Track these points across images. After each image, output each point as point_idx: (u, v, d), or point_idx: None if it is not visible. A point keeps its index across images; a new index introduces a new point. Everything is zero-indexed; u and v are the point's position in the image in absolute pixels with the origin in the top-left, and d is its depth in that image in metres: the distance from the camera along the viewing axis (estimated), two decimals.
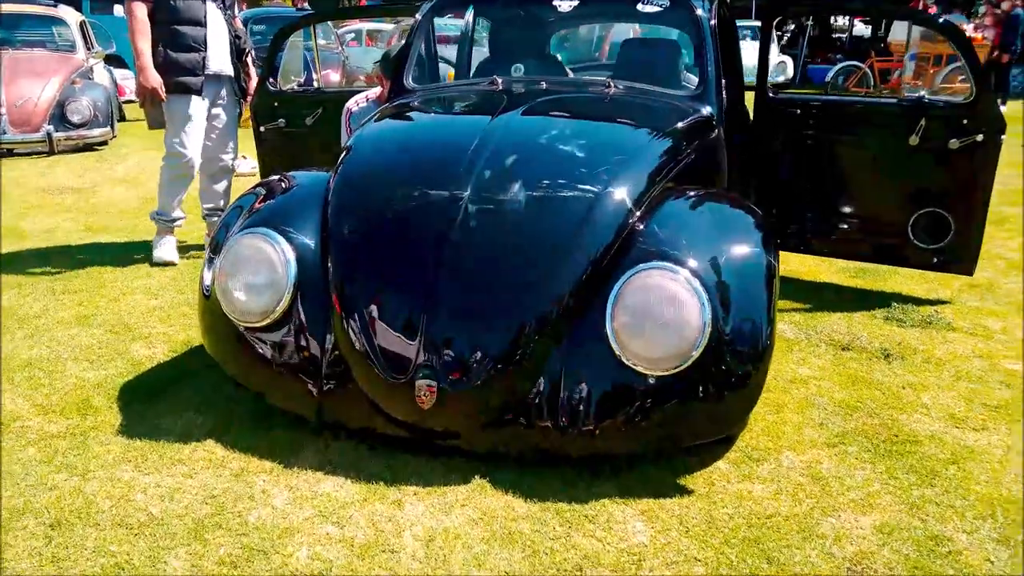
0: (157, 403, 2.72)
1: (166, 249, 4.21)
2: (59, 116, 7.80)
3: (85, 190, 6.34)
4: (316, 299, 2.38)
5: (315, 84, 4.75)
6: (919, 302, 3.77)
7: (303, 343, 2.37)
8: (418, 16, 3.52)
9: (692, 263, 2.17)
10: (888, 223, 3.77)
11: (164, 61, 3.83)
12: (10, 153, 7.62)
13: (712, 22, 3.17)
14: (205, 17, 3.86)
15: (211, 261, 2.61)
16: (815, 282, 4.10)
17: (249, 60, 4.19)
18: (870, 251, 3.90)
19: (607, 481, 2.21)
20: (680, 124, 2.86)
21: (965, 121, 3.49)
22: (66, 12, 9.02)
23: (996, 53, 11.64)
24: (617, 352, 2.11)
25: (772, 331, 2.20)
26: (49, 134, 7.67)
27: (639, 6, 3.26)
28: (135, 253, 4.46)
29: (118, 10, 13.80)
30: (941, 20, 3.68)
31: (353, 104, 3.70)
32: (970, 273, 3.72)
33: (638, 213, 2.36)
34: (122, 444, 2.44)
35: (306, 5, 13.57)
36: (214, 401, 2.70)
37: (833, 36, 23.60)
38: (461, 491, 2.17)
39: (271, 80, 4.33)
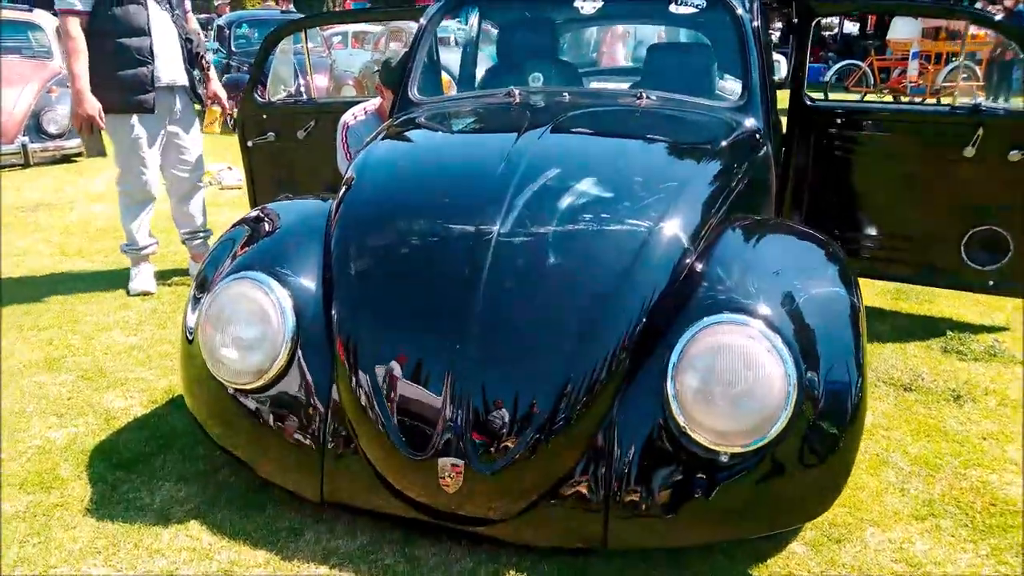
0: (133, 472, 2.35)
1: (142, 279, 3.83)
2: (35, 127, 7.38)
3: (61, 207, 5.93)
4: (319, 356, 2.02)
5: (305, 93, 4.37)
6: (975, 329, 3.44)
7: (303, 408, 2.00)
8: (423, 20, 3.15)
9: (767, 313, 1.82)
10: (939, 241, 3.43)
11: (108, 80, 3.39)
12: None
13: (755, 23, 2.83)
14: (149, 24, 3.40)
15: (196, 301, 2.25)
16: None
17: (206, 63, 3.75)
18: (917, 271, 3.57)
19: (666, 574, 1.86)
20: (727, 142, 2.51)
21: None
22: (42, 17, 8.57)
23: (999, 50, 11.39)
24: (682, 423, 1.75)
25: (865, 391, 1.86)
26: (24, 145, 7.24)
27: (671, 7, 2.91)
28: (112, 281, 4.07)
29: None
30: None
31: (350, 117, 3.33)
32: None
33: (695, 251, 2.01)
34: (91, 528, 2.08)
35: (291, 7, 13.16)
36: (199, 470, 2.33)
37: (825, 34, 23.32)
38: None
39: (258, 91, 3.95)
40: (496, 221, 2.01)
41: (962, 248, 3.39)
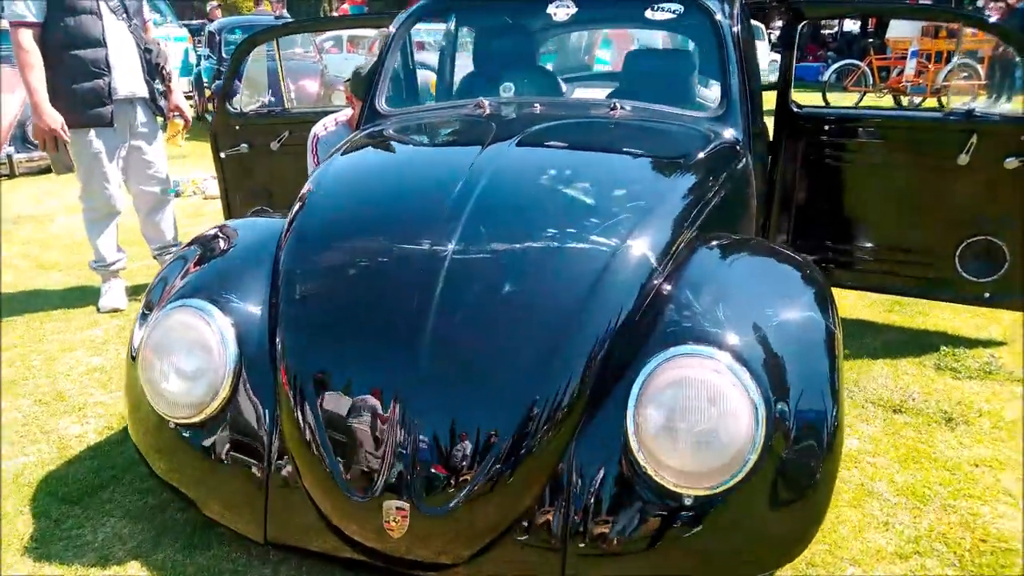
0: (78, 506, 2.24)
1: (112, 296, 3.72)
2: (20, 136, 7.30)
3: (43, 218, 5.84)
4: (263, 388, 1.90)
5: (278, 103, 4.26)
6: (970, 344, 3.30)
7: (246, 444, 1.88)
8: (392, 28, 3.04)
9: (735, 342, 1.70)
10: (932, 253, 3.31)
11: (63, 94, 3.28)
12: None
13: (735, 29, 2.71)
14: (104, 34, 3.29)
15: (144, 318, 2.13)
16: (847, 319, 3.62)
17: (169, 73, 3.63)
18: (911, 284, 3.43)
19: None
20: (702, 154, 2.39)
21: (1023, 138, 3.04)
22: None
23: (1001, 49, 11.20)
24: (642, 462, 1.63)
25: (841, 423, 1.73)
26: (10, 156, 7.18)
27: (648, 12, 2.78)
28: (85, 296, 3.97)
29: None
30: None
31: (321, 128, 3.22)
32: None
33: (663, 272, 1.89)
34: (28, 569, 1.97)
35: (284, 13, 13.05)
36: (146, 505, 2.22)
37: (823, 32, 23.08)
38: None
39: (230, 101, 3.84)
40: (449, 241, 1.90)
41: (956, 259, 3.26)
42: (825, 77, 12.99)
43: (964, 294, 3.33)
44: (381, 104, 2.90)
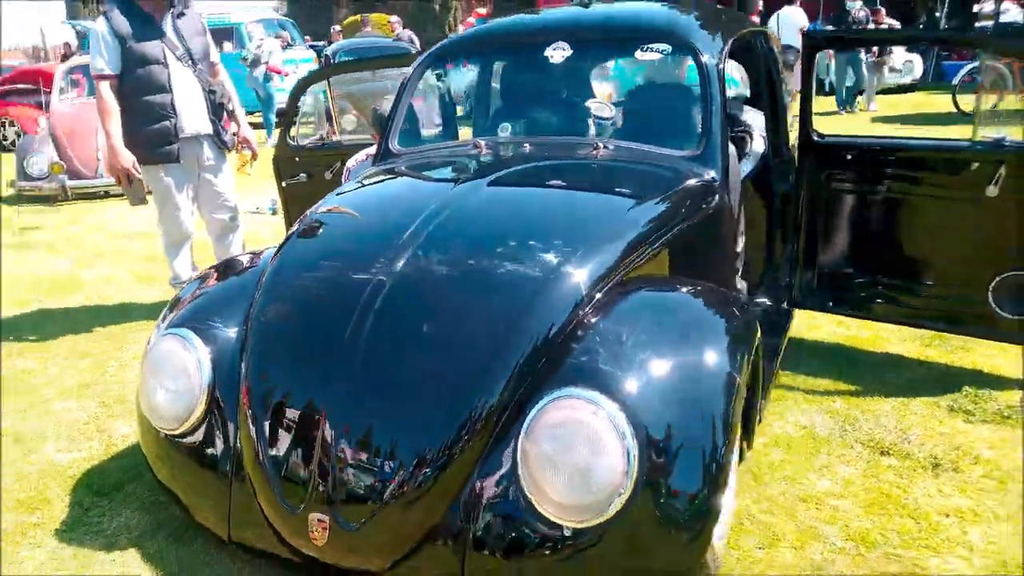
0: (106, 498, 2.61)
1: None
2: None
3: (154, 235, 6.53)
4: (232, 406, 2.17)
5: (335, 136, 4.61)
6: (1001, 384, 3.14)
7: (216, 453, 2.16)
8: (409, 70, 3.28)
9: (623, 387, 1.80)
10: (963, 288, 3.17)
11: (136, 135, 3.72)
12: (105, 195, 8.05)
13: (720, 67, 2.75)
14: (170, 81, 3.71)
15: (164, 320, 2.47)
16: (876, 353, 3.52)
17: (232, 110, 4.04)
18: (944, 320, 3.30)
19: None
20: (665, 195, 2.47)
21: None
22: None
23: None
24: (528, 493, 1.77)
25: (724, 473, 1.79)
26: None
27: (637, 53, 2.88)
28: None
29: (227, 47, 14.49)
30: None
31: (352, 162, 3.52)
32: None
33: (583, 312, 2.01)
34: (51, 549, 2.35)
35: (401, 31, 13.71)
36: (157, 501, 2.55)
37: (977, 25, 21.18)
38: None
39: (290, 134, 4.23)
40: (392, 271, 2.10)
41: (990, 295, 3.12)
42: (956, 80, 12.15)
43: (999, 331, 3.18)
44: (394, 144, 3.15)
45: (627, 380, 1.82)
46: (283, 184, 4.30)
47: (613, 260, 2.16)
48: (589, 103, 2.94)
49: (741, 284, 3.35)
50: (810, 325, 3.81)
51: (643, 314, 2.04)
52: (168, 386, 2.21)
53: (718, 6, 4.71)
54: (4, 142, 11.75)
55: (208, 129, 3.88)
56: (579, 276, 2.07)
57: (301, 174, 4.21)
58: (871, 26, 11.65)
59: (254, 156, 4.31)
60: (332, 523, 1.89)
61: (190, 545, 2.30)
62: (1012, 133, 3.02)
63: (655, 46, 2.86)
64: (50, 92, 8.94)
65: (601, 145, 2.74)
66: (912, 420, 2.89)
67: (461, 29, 29.44)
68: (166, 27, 3.74)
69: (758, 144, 3.65)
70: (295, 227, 2.56)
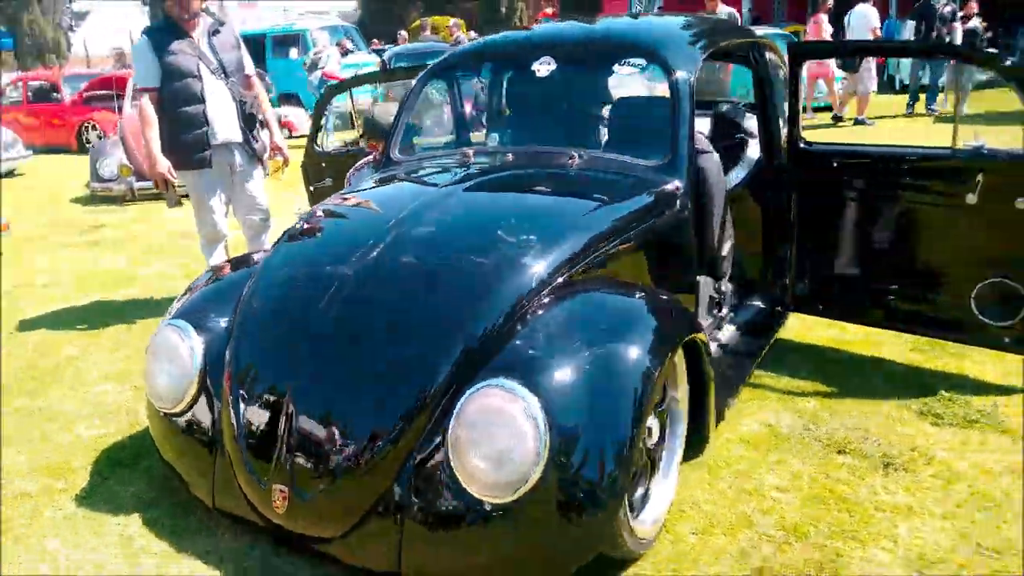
0: (123, 470, 2.93)
1: None
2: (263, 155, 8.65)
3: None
4: (218, 389, 2.45)
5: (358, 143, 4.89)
6: (980, 390, 3.18)
7: (204, 431, 2.44)
8: (413, 83, 3.52)
9: (546, 380, 1.99)
10: (947, 294, 3.23)
11: (172, 143, 4.06)
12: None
13: (692, 80, 2.89)
14: (203, 93, 4.01)
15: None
16: (862, 356, 3.58)
17: (265, 119, 4.35)
18: (930, 326, 3.36)
19: None
20: (625, 201, 2.64)
21: None
22: None
23: None
24: (455, 471, 1.98)
25: (629, 458, 1.96)
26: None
27: (616, 68, 3.04)
28: None
29: (293, 53, 15.11)
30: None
31: (353, 170, 3.78)
32: None
33: (526, 309, 2.21)
34: (68, 512, 2.66)
35: (461, 36, 14.03)
36: (164, 474, 2.85)
37: None
38: None
39: (317, 141, 4.53)
40: (358, 268, 2.34)
41: (972, 302, 3.17)
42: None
43: (983, 338, 3.22)
44: (394, 153, 3.40)
45: (548, 373, 2.00)
46: (311, 188, 4.61)
47: (560, 262, 2.35)
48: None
49: (727, 287, 3.47)
50: (805, 327, 3.89)
51: (576, 313, 2.22)
52: (166, 371, 2.50)
53: (704, 15, 4.81)
54: (88, 145, 12.55)
55: (239, 137, 4.20)
56: (525, 277, 2.27)
57: (327, 178, 4.50)
58: (956, 22, 11.31)
59: (286, 162, 4.62)
60: (291, 494, 2.14)
61: (185, 512, 2.58)
62: (991, 141, 3.05)
63: (632, 61, 3.02)
64: (123, 97, 9.58)
65: (576, 155, 2.92)
66: (878, 421, 2.97)
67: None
68: (201, 43, 4.07)
69: (753, 151, 3.75)
70: (285, 231, 2.82)
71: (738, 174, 3.73)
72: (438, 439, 2.06)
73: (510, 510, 1.94)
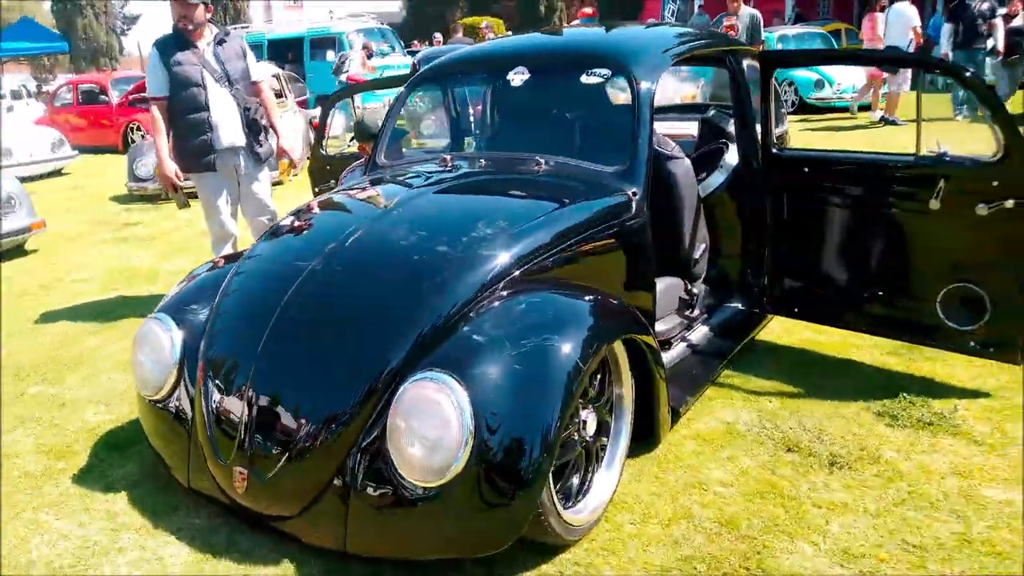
0: (119, 452, 3.16)
1: None
2: (269, 158, 8.97)
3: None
4: (194, 378, 2.65)
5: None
6: (944, 394, 3.22)
7: (181, 417, 2.64)
8: (402, 90, 3.69)
9: (476, 373, 2.13)
10: (915, 299, 3.29)
11: (180, 148, 4.31)
12: None
13: (653, 89, 3.00)
14: (207, 101, 4.24)
15: None
16: (835, 359, 3.64)
17: (271, 124, 4.56)
18: (899, 329, 3.41)
19: None
20: (580, 205, 2.78)
21: (995, 183, 2.97)
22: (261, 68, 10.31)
23: None
24: (392, 457, 2.14)
25: (551, 450, 2.09)
26: None
27: (583, 78, 3.17)
28: None
29: (330, 55, 15.45)
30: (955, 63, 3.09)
31: (347, 171, 3.97)
32: (1016, 361, 3.13)
33: (469, 307, 2.35)
34: (63, 489, 2.90)
35: (493, 37, 14.22)
36: (152, 458, 3.08)
37: None
38: (263, 572, 2.32)
39: (322, 145, 4.74)
40: (315, 268, 2.52)
41: (939, 306, 3.23)
42: None
43: (950, 342, 3.27)
44: (380, 158, 3.58)
45: (479, 366, 2.15)
46: (315, 190, 4.82)
47: (508, 263, 2.49)
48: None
49: (700, 288, 3.57)
50: (785, 329, 3.96)
51: (514, 311, 2.35)
52: (149, 360, 2.71)
53: (675, 24, 4.87)
54: (132, 145, 13.05)
55: (243, 142, 4.42)
56: (473, 278, 2.42)
57: (332, 180, 4.71)
58: (998, 19, 11.06)
59: (292, 164, 4.85)
60: (249, 475, 2.33)
61: (165, 492, 2.79)
62: (954, 148, 3.09)
63: (597, 71, 3.15)
64: None
65: (543, 161, 3.06)
66: (834, 422, 3.04)
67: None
68: (206, 53, 4.31)
69: (732, 156, 3.84)
70: (264, 231, 3.02)
71: (717, 179, 3.82)
72: (378, 427, 2.22)
73: (439, 494, 2.09)
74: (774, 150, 3.53)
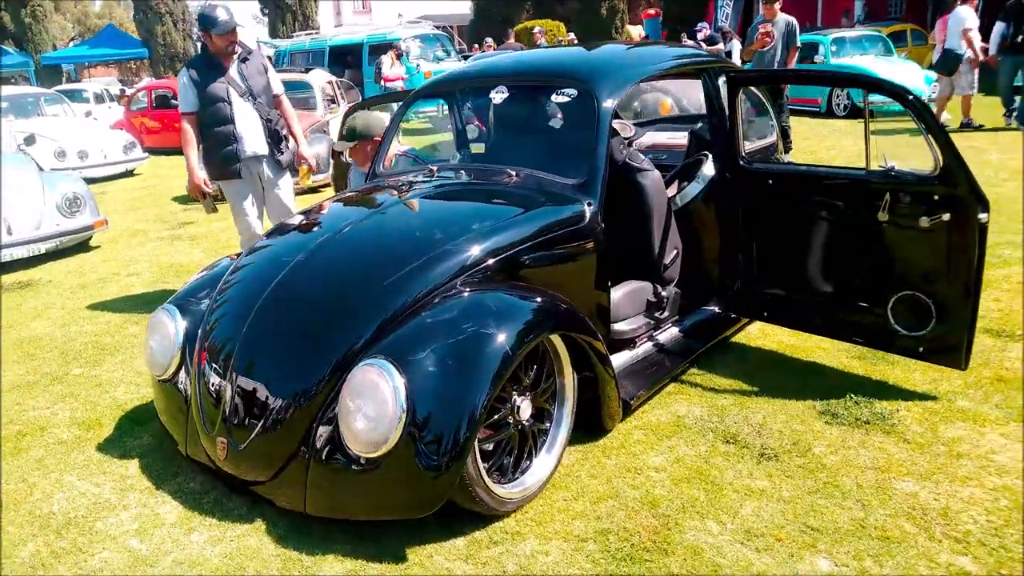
0: (140, 426, 3.60)
1: None
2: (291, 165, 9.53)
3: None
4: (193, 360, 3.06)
5: None
6: (895, 395, 3.39)
7: (183, 393, 3.05)
8: (401, 105, 4.06)
9: (413, 360, 2.46)
10: (870, 306, 3.47)
11: (209, 158, 4.78)
12: None
13: (610, 105, 3.27)
14: (232, 114, 4.69)
15: None
16: (802, 361, 3.83)
17: (292, 133, 4.98)
18: (858, 335, 3.59)
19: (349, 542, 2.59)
20: (536, 213, 3.08)
21: (936, 197, 3.14)
22: (314, 76, 10.90)
23: None
24: (342, 431, 2.48)
25: (473, 430, 2.40)
26: None
27: (553, 96, 3.46)
28: None
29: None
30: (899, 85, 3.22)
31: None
32: (960, 367, 3.29)
33: (424, 300, 2.69)
34: (87, 455, 3.35)
35: (544, 42, 14.53)
36: (163, 430, 3.51)
37: None
38: (239, 529, 2.70)
39: (343, 154, 5.14)
40: (296, 263, 2.90)
41: (890, 313, 3.40)
42: None
43: (901, 348, 3.45)
44: (379, 167, 3.95)
45: (416, 355, 2.48)
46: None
47: (464, 264, 2.81)
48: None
49: (668, 291, 3.82)
50: (763, 332, 4.16)
51: (457, 308, 2.67)
52: (158, 344, 3.14)
53: (659, 44, 5.11)
54: None
55: (265, 151, 4.86)
56: (430, 275, 2.76)
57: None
58: None
59: (311, 169, 5.26)
60: (228, 444, 2.71)
61: (169, 460, 3.21)
62: (901, 163, 3.27)
63: (567, 91, 3.44)
64: None
65: (514, 173, 3.37)
66: (778, 418, 3.26)
67: (630, 30, 29.74)
68: (232, 71, 4.76)
69: (709, 168, 4.07)
70: (268, 230, 3.41)
71: (694, 188, 4.05)
72: (335, 404, 2.57)
73: (379, 464, 2.43)
74: (741, 163, 3.75)
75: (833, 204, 3.49)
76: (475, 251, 2.86)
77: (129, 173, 13.16)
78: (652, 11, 31.07)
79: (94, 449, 3.40)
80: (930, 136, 3.09)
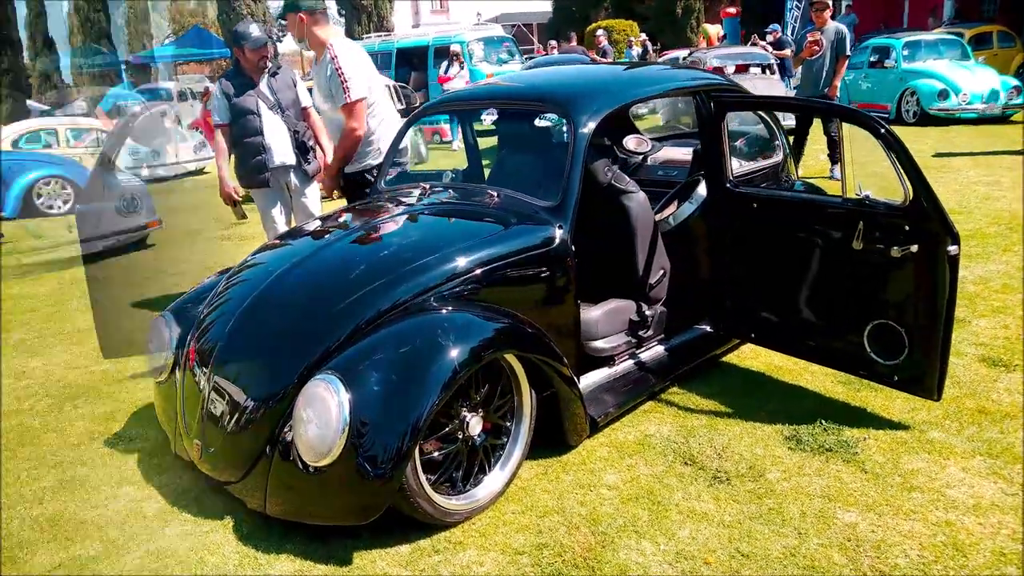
0: (146, 424, 3.87)
1: None
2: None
3: None
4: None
5: None
6: (867, 423, 3.38)
7: (175, 395, 3.30)
8: (406, 121, 4.25)
9: (359, 376, 2.63)
10: (847, 333, 3.47)
11: (241, 167, 5.08)
12: None
13: (586, 131, 3.36)
14: (261, 126, 4.96)
15: None
16: (784, 384, 3.84)
17: (319, 144, 5.22)
18: (837, 360, 3.59)
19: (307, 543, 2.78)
20: (508, 233, 3.21)
21: (907, 227, 3.14)
22: None
23: None
24: (293, 439, 2.68)
25: (412, 445, 2.55)
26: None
27: (536, 120, 3.58)
28: None
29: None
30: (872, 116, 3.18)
31: None
32: (933, 397, 3.26)
33: (374, 322, 2.85)
34: (100, 444, 3.67)
35: (606, 45, 14.57)
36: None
37: None
38: (209, 525, 2.93)
39: None
40: (279, 274, 3.12)
41: (866, 340, 3.40)
42: None
43: (878, 376, 3.44)
44: (381, 184, 4.15)
45: (363, 371, 2.65)
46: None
47: (427, 284, 2.97)
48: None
49: (654, 310, 3.89)
50: (754, 353, 4.17)
51: (415, 323, 2.83)
52: (154, 349, 3.41)
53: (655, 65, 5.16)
54: None
55: (292, 161, 5.14)
56: (392, 293, 2.93)
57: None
58: None
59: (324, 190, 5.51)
60: (201, 446, 2.95)
61: (164, 457, 3.48)
62: (875, 193, 3.26)
63: (549, 116, 3.56)
64: None
65: (496, 193, 3.52)
66: (743, 441, 3.30)
67: (707, 29, 29.32)
68: (262, 85, 5.05)
69: (703, 189, 4.11)
70: (264, 243, 3.65)
71: (686, 209, 4.10)
72: (292, 414, 2.76)
73: (325, 471, 2.61)
74: (728, 185, 3.78)
75: (813, 230, 3.50)
76: (442, 270, 3.01)
77: (200, 171, 13.84)
78: (732, 10, 30.50)
79: (102, 444, 3.71)
80: (900, 168, 3.07)
